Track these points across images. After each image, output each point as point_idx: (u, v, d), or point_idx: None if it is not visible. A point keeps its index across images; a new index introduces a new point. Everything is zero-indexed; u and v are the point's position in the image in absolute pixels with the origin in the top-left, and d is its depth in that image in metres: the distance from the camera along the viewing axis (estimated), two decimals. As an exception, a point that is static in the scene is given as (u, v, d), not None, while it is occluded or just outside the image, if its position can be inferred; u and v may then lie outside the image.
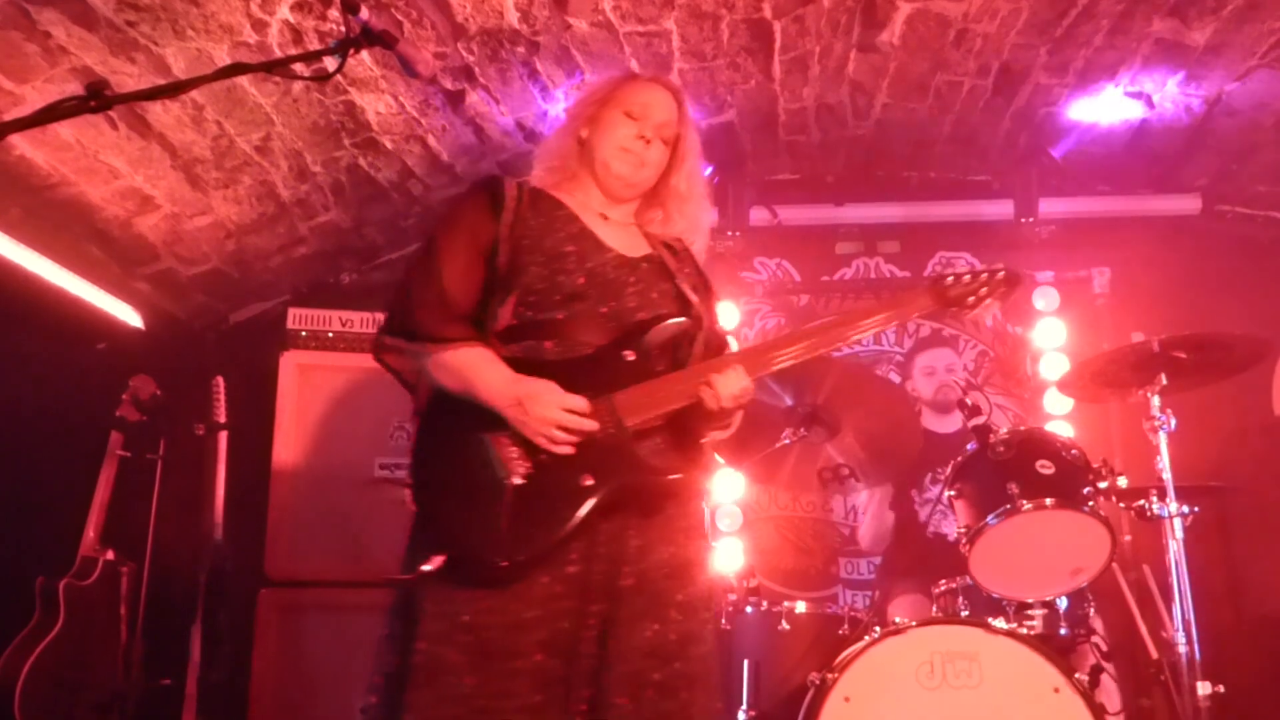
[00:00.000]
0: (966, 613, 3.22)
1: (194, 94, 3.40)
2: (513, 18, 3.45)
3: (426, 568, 1.99)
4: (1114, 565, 3.21)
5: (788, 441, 3.48)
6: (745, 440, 3.49)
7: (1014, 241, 4.72)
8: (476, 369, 2.07)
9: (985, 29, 3.73)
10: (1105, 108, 4.17)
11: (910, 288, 2.30)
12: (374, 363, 4.10)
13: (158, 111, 3.43)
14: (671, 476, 2.07)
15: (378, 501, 3.89)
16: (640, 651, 1.94)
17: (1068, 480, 3.15)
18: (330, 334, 4.11)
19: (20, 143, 3.34)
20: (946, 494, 3.35)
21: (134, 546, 4.14)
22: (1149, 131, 4.34)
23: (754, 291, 4.92)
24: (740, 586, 3.48)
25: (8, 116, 3.01)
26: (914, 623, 2.98)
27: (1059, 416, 4.49)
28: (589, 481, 2.00)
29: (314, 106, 3.68)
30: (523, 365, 2.08)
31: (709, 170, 3.51)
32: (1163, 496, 3.22)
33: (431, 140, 4.04)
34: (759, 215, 4.85)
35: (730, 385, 2.07)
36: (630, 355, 2.09)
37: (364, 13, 1.76)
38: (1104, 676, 3.17)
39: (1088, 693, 2.86)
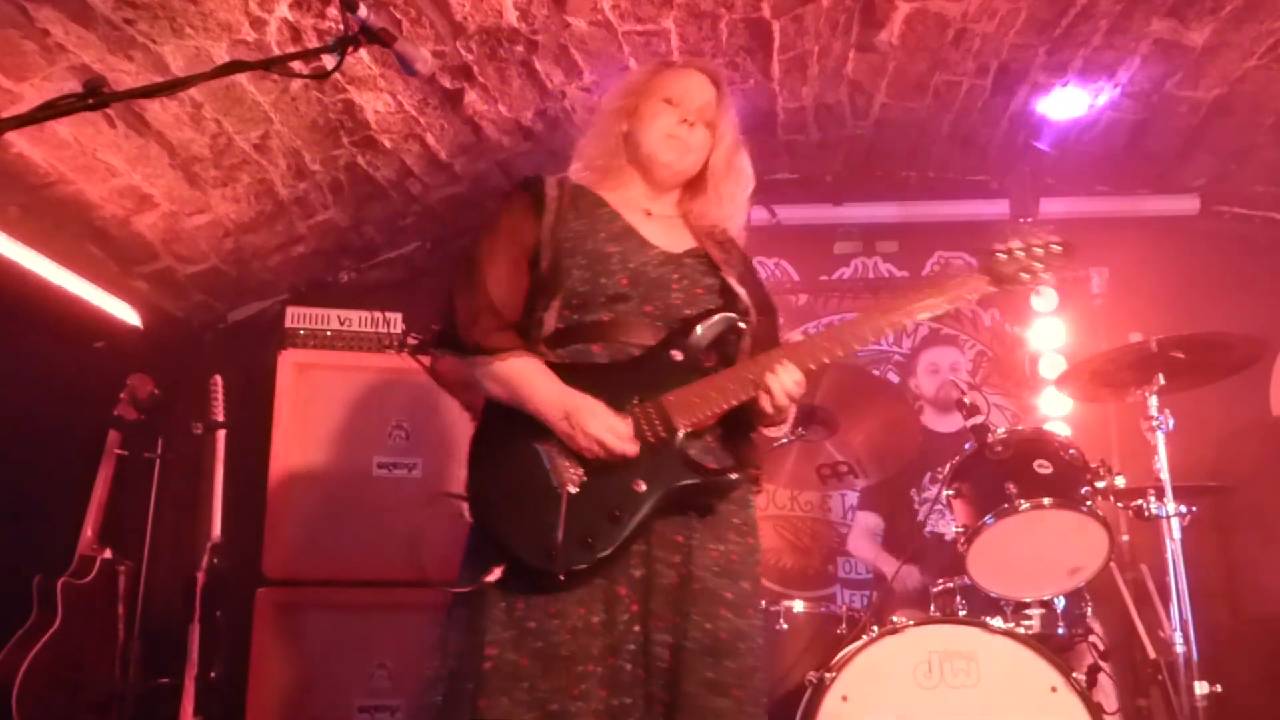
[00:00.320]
0: (964, 612, 3.22)
1: (192, 92, 3.40)
2: (511, 16, 3.45)
3: (489, 579, 2.00)
4: (1112, 565, 3.22)
5: (786, 441, 3.48)
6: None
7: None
8: (526, 380, 2.06)
9: (984, 29, 3.73)
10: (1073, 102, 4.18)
11: (961, 270, 2.23)
12: (373, 361, 4.13)
13: (156, 109, 3.43)
14: (725, 477, 2.05)
15: (376, 501, 3.88)
16: (695, 649, 1.93)
17: (1066, 480, 3.16)
18: (328, 333, 4.10)
19: (18, 140, 3.33)
20: (945, 493, 3.36)
21: (132, 545, 4.14)
22: (1147, 132, 4.34)
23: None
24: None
25: (5, 114, 2.99)
26: (911, 622, 2.98)
27: (1057, 416, 4.49)
28: (642, 487, 2.00)
29: (312, 105, 3.68)
30: (572, 371, 2.08)
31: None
32: (1160, 496, 3.22)
33: (430, 139, 4.04)
34: (757, 214, 4.82)
35: (784, 382, 2.05)
36: (678, 355, 2.07)
37: (362, 11, 1.75)
38: (1101, 676, 3.18)
39: (1085, 692, 2.86)
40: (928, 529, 3.89)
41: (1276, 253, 4.74)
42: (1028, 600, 3.19)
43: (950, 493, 3.34)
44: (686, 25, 3.64)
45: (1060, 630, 3.21)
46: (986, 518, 3.10)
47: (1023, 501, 3.06)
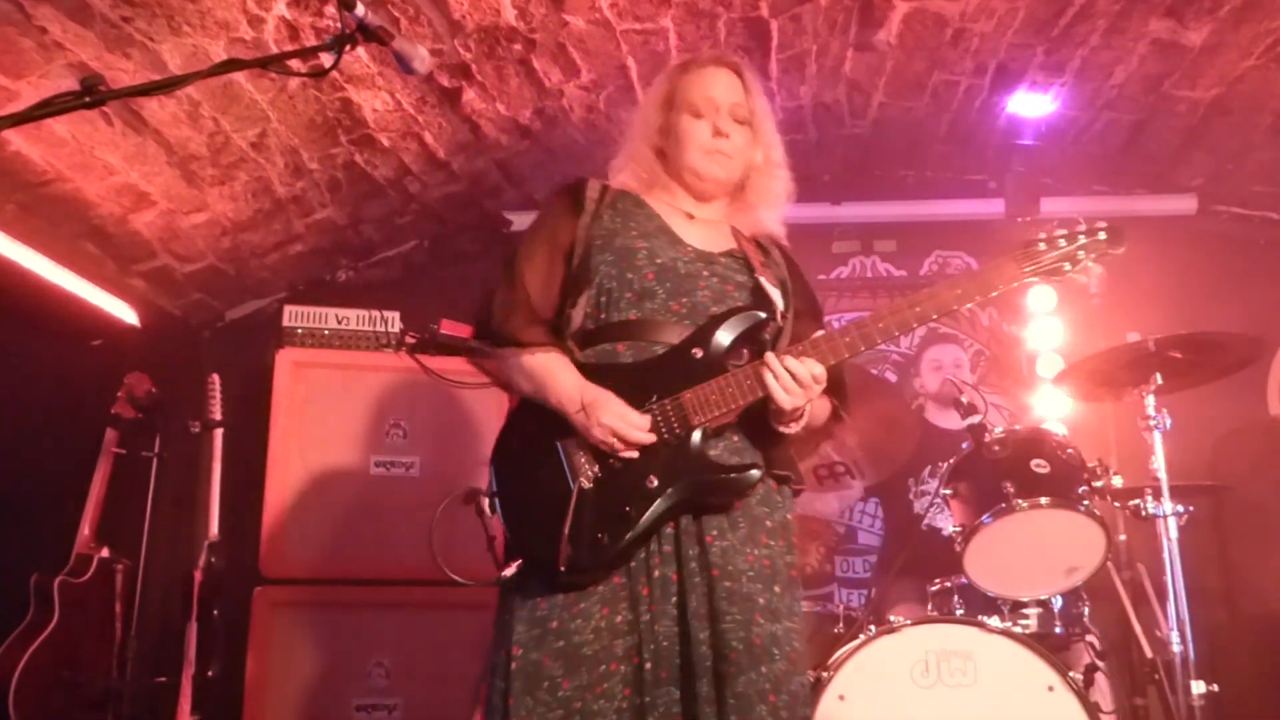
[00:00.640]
0: (961, 611, 3.22)
1: (190, 90, 3.40)
2: (510, 15, 3.45)
3: (505, 574, 2.02)
4: (1109, 564, 3.22)
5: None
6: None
7: (1011, 240, 4.71)
8: (550, 374, 2.08)
9: (982, 28, 3.73)
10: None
11: (997, 258, 2.08)
12: (371, 360, 4.13)
13: (153, 108, 3.43)
14: (739, 476, 2.02)
15: (374, 500, 3.88)
16: (731, 657, 1.91)
17: (1063, 479, 3.16)
18: (326, 331, 4.10)
19: (15, 138, 3.33)
20: (943, 492, 3.36)
21: (129, 544, 4.14)
22: (1145, 131, 4.34)
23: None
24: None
25: (2, 112, 3.00)
26: (909, 621, 2.98)
27: (1054, 416, 4.49)
28: (654, 483, 1.99)
29: (310, 103, 3.67)
30: (596, 370, 2.08)
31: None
32: (1157, 496, 3.22)
33: (428, 137, 4.04)
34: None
35: (786, 376, 1.99)
36: (698, 353, 2.05)
37: (360, 9, 1.75)
38: (1098, 675, 3.18)
39: (1082, 691, 2.86)
40: (925, 522, 3.89)
41: (1274, 252, 4.75)
42: (1025, 600, 3.19)
43: (948, 492, 3.34)
44: (685, 24, 3.64)
45: (1057, 629, 3.22)
46: (984, 517, 3.10)
47: (1020, 501, 3.06)
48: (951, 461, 3.36)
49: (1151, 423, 3.27)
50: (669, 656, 1.93)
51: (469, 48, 3.58)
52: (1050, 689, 2.86)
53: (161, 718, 3.84)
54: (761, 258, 2.23)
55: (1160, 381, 3.28)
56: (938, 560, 3.48)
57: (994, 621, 3.00)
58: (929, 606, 3.39)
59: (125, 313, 4.29)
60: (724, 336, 2.05)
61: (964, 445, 3.36)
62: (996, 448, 3.20)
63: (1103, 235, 2.07)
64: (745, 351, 2.09)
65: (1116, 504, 3.37)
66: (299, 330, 4.09)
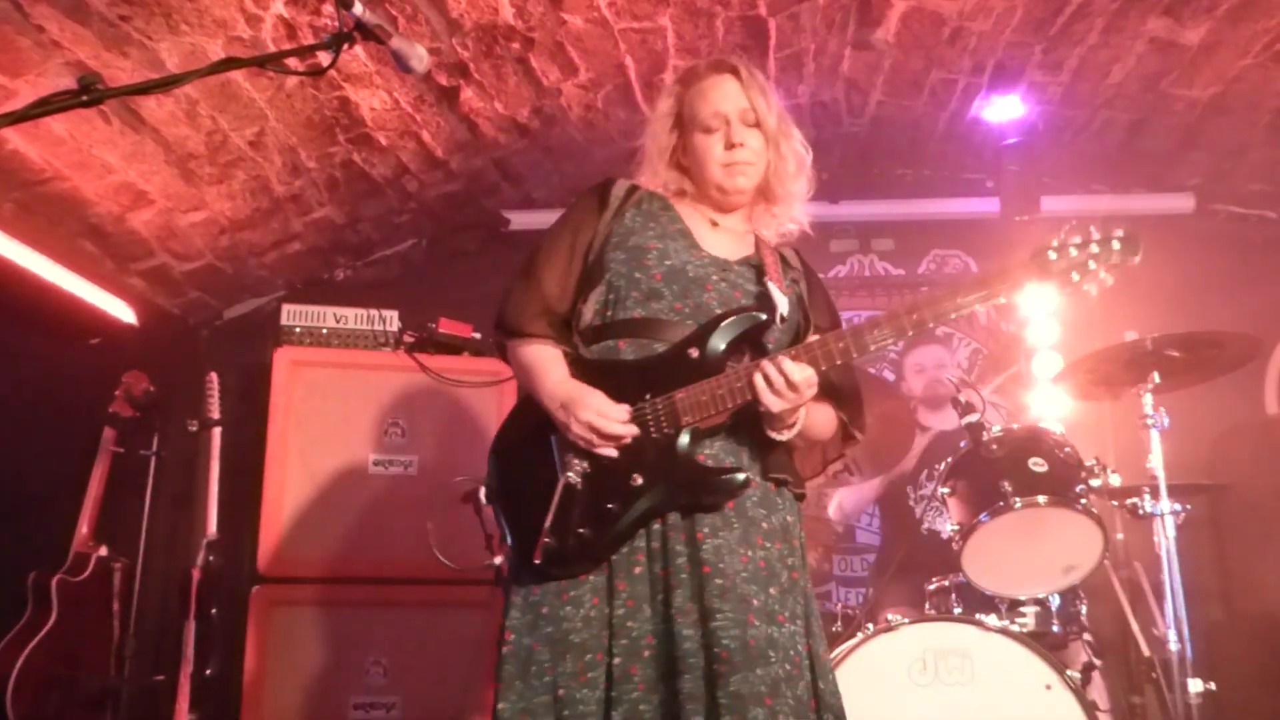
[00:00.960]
0: (959, 610, 3.22)
1: (188, 89, 3.40)
2: (508, 13, 3.45)
3: (495, 561, 2.04)
4: (1106, 563, 3.22)
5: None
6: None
7: (1008, 239, 4.72)
8: (540, 367, 2.11)
9: (980, 27, 3.74)
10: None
11: (1009, 264, 2.02)
12: (369, 359, 4.13)
13: (151, 106, 3.43)
14: (723, 477, 2.01)
15: (372, 498, 3.88)
16: (723, 656, 1.90)
17: (1060, 478, 3.16)
18: (324, 330, 4.10)
19: (13, 136, 3.33)
20: (940, 491, 3.36)
21: (127, 542, 4.14)
22: (1143, 130, 4.35)
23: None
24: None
25: (0, 110, 3.00)
26: (907, 620, 2.99)
27: (1052, 415, 4.49)
28: (638, 481, 2.00)
29: (308, 102, 3.67)
30: (598, 366, 2.10)
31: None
32: (1155, 494, 3.23)
33: (426, 136, 4.04)
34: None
35: (788, 376, 1.96)
36: (695, 353, 2.04)
37: (358, 8, 1.75)
38: (1096, 674, 3.18)
39: (1079, 690, 2.87)
40: (924, 525, 3.90)
41: (1271, 251, 4.75)
42: (1022, 598, 3.19)
43: (946, 491, 3.34)
44: (683, 23, 3.64)
45: (1055, 628, 3.22)
46: (981, 516, 3.10)
47: (1018, 499, 3.07)
48: (949, 460, 3.36)
49: (1149, 421, 3.27)
50: (640, 653, 1.93)
51: (467, 46, 3.58)
52: (1048, 687, 2.87)
53: (159, 716, 3.84)
54: (778, 267, 2.22)
55: (1158, 380, 3.28)
56: (935, 559, 3.48)
57: (992, 620, 3.01)
58: (927, 605, 3.39)
59: (123, 311, 4.29)
60: (721, 338, 2.04)
61: (961, 444, 3.37)
62: (994, 446, 3.20)
63: (1116, 245, 2.02)
64: (746, 354, 2.08)
65: (1114, 503, 3.37)
66: (297, 329, 4.09)
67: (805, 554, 2.16)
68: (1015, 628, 3.05)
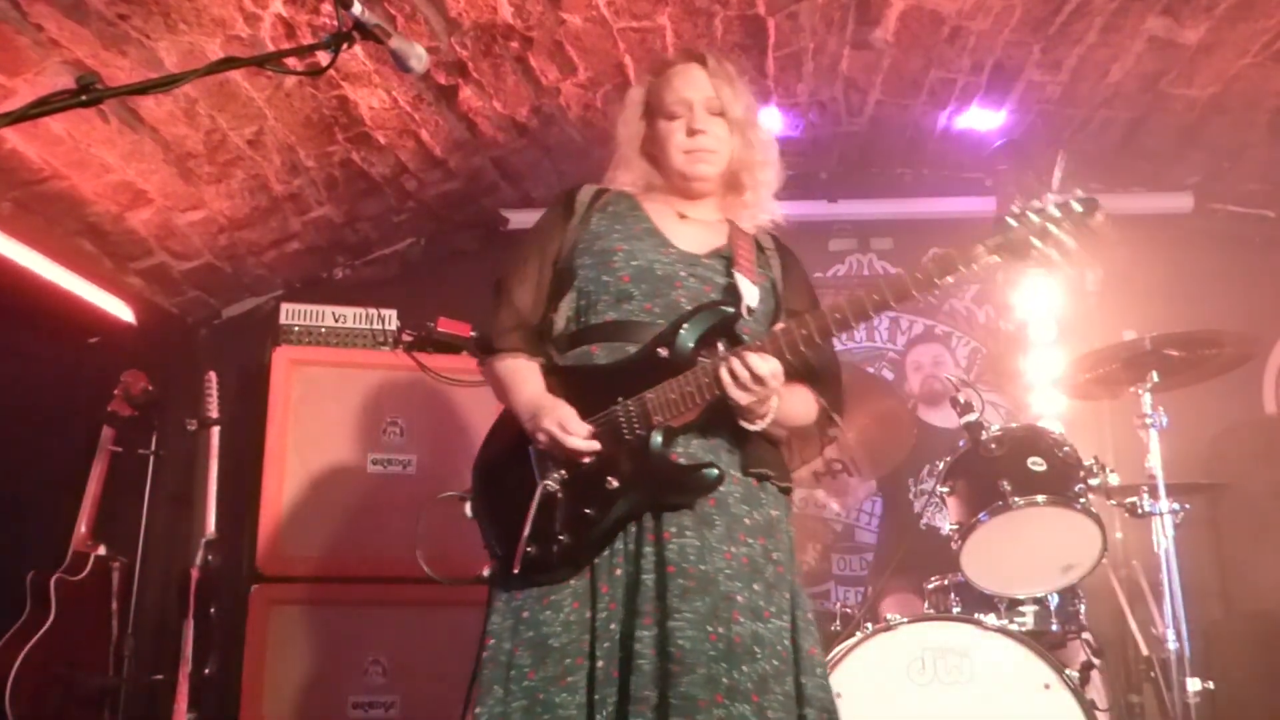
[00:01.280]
0: (958, 609, 3.22)
1: (186, 88, 3.40)
2: (507, 13, 3.45)
3: (484, 573, 2.05)
4: (1105, 562, 3.22)
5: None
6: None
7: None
8: (513, 381, 2.13)
9: (979, 26, 3.74)
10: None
11: (964, 244, 1.98)
12: (368, 358, 4.13)
13: (150, 105, 3.43)
14: (696, 474, 2.00)
15: (370, 497, 3.88)
16: (707, 655, 1.89)
17: (1059, 477, 3.16)
18: (323, 329, 4.10)
19: (11, 136, 3.33)
20: (939, 490, 3.36)
21: (126, 541, 4.14)
22: (1141, 129, 4.35)
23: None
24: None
25: (-1, 110, 2.99)
26: (905, 619, 2.99)
27: (1051, 414, 4.50)
28: (614, 484, 2.00)
29: (307, 101, 3.67)
30: (571, 373, 2.10)
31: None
32: (1154, 493, 3.23)
33: (425, 135, 4.04)
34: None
35: (753, 369, 1.95)
36: (664, 351, 2.03)
37: (357, 7, 1.74)
38: (1094, 673, 3.18)
39: (1078, 689, 2.87)
40: (924, 521, 3.90)
41: (1269, 250, 4.76)
42: (1021, 597, 3.19)
43: (945, 490, 3.34)
44: (681, 22, 3.64)
45: (1053, 627, 3.22)
46: (980, 515, 3.10)
47: (1016, 499, 3.07)
48: (948, 459, 3.36)
49: (1148, 420, 3.27)
50: (634, 657, 1.92)
51: (466, 45, 3.58)
52: (1046, 686, 2.87)
53: (158, 715, 3.84)
54: (751, 255, 2.20)
55: (1156, 379, 3.29)
56: (934, 558, 3.48)
57: (990, 619, 3.01)
58: (925, 604, 3.39)
59: (122, 310, 4.29)
60: (689, 334, 2.03)
61: (960, 443, 3.37)
62: (993, 446, 3.20)
63: (1076, 206, 1.91)
64: (717, 348, 2.06)
65: (1112, 502, 3.37)
66: (296, 328, 4.08)
67: (793, 549, 2.15)
68: (1014, 627, 3.05)
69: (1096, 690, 3.19)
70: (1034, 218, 1.93)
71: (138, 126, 3.49)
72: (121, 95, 1.62)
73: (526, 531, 1.98)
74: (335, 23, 1.77)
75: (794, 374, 2.04)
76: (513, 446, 2.10)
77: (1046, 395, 4.50)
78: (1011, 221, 1.95)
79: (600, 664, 1.92)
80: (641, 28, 3.63)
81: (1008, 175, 4.55)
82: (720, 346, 2.04)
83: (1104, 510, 3.22)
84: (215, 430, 4.04)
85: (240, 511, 3.98)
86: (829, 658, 2.96)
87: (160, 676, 3.92)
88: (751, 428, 2.05)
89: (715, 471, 1.99)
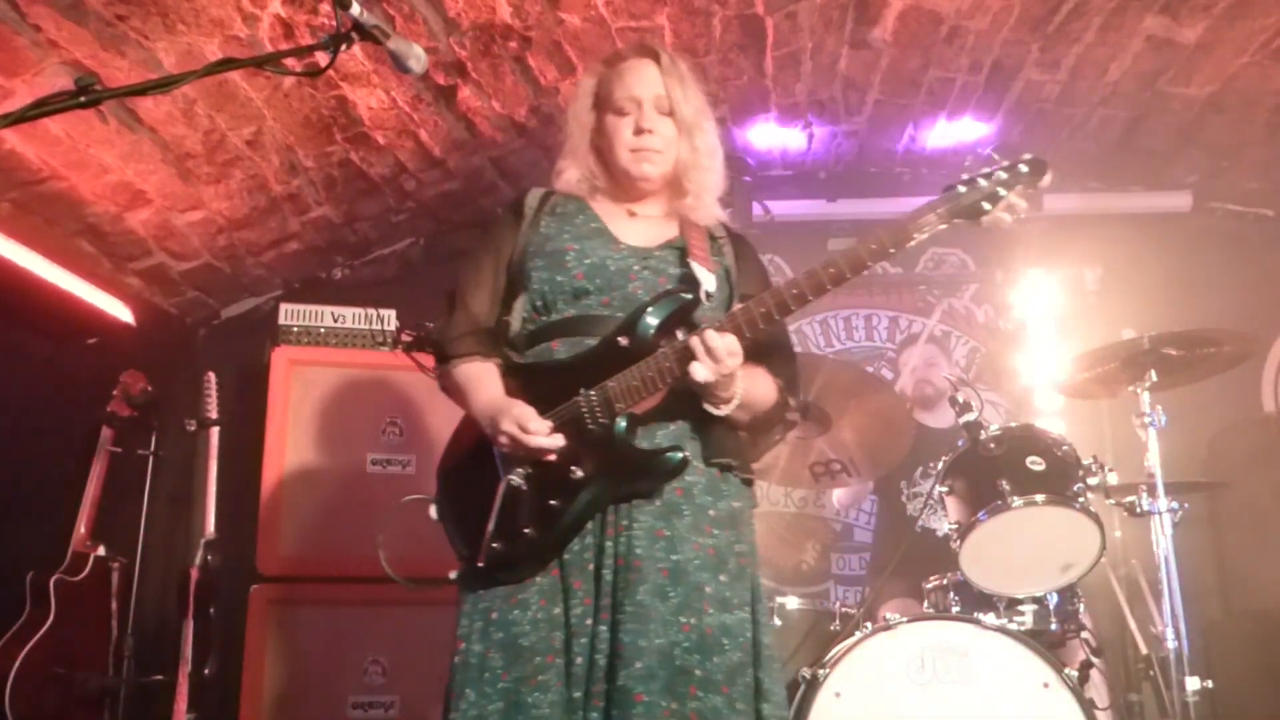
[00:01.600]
0: (957, 609, 3.23)
1: (185, 88, 3.39)
2: (505, 13, 3.45)
3: (451, 575, 2.05)
4: (1104, 561, 3.22)
5: (778, 437, 3.48)
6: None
7: (1006, 238, 4.73)
8: (470, 385, 2.13)
9: (977, 25, 3.74)
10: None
11: (915, 210, 1.99)
12: (367, 358, 4.13)
13: (148, 106, 3.42)
14: (659, 458, 1.99)
15: (370, 497, 3.88)
16: (679, 645, 1.90)
17: (1058, 476, 3.16)
18: (322, 329, 4.10)
19: (10, 136, 3.32)
20: (938, 490, 3.36)
21: (125, 542, 4.14)
22: (1140, 128, 4.35)
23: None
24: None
25: (-2, 110, 2.99)
26: (905, 619, 2.99)
27: (1050, 413, 4.50)
28: (579, 474, 2.00)
29: (305, 101, 3.67)
30: (532, 370, 2.11)
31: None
32: (1152, 492, 3.23)
33: (423, 135, 4.04)
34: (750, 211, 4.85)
35: (711, 347, 1.94)
36: (625, 340, 2.03)
37: (355, 8, 1.75)
38: (1094, 672, 3.18)
39: (1077, 688, 2.87)
40: (919, 524, 3.90)
41: (1268, 249, 4.76)
42: (1020, 597, 3.19)
43: (944, 489, 3.34)
44: (680, 22, 3.64)
45: (1053, 626, 3.21)
46: (979, 514, 3.10)
47: (1015, 498, 3.07)
48: (947, 459, 3.36)
49: (1146, 419, 3.27)
50: (602, 651, 1.93)
51: (464, 46, 3.58)
52: (1046, 686, 2.87)
53: (157, 715, 3.84)
54: (704, 245, 2.19)
55: (1155, 378, 3.29)
56: (933, 557, 3.49)
57: (989, 618, 3.01)
58: (924, 604, 3.39)
59: (121, 311, 4.29)
60: (649, 322, 2.03)
61: (959, 442, 3.37)
62: (992, 445, 3.20)
63: (1024, 169, 1.97)
64: (679, 335, 2.05)
65: (1111, 501, 3.37)
66: (295, 328, 4.09)
67: (754, 541, 2.15)
68: (1013, 626, 3.05)
69: (1096, 689, 3.19)
70: (983, 182, 1.98)
71: (136, 127, 3.49)
72: (120, 96, 1.62)
73: (492, 525, 1.98)
74: (334, 23, 1.77)
75: (751, 354, 2.03)
76: (476, 448, 2.11)
77: (1045, 394, 4.50)
78: (961, 188, 1.98)
79: (578, 660, 1.92)
80: (640, 27, 3.63)
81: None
82: (679, 334, 2.04)
83: (1103, 509, 3.22)
84: (214, 430, 4.04)
85: (240, 511, 3.98)
86: (829, 657, 2.96)
87: (160, 677, 3.92)
88: (716, 412, 2.05)
89: (680, 455, 1.99)
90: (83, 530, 3.92)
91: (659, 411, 2.06)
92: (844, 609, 3.39)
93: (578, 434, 2.01)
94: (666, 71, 2.22)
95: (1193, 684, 3.06)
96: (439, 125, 4.01)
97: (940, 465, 3.37)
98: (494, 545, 1.98)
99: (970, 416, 3.32)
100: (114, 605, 4.00)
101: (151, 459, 4.27)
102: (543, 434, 1.99)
